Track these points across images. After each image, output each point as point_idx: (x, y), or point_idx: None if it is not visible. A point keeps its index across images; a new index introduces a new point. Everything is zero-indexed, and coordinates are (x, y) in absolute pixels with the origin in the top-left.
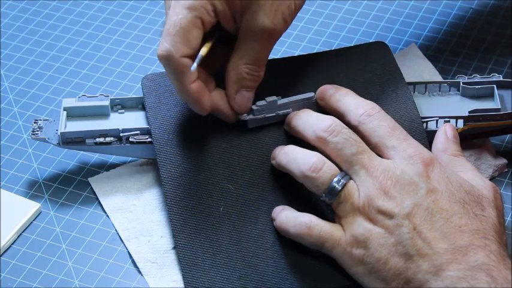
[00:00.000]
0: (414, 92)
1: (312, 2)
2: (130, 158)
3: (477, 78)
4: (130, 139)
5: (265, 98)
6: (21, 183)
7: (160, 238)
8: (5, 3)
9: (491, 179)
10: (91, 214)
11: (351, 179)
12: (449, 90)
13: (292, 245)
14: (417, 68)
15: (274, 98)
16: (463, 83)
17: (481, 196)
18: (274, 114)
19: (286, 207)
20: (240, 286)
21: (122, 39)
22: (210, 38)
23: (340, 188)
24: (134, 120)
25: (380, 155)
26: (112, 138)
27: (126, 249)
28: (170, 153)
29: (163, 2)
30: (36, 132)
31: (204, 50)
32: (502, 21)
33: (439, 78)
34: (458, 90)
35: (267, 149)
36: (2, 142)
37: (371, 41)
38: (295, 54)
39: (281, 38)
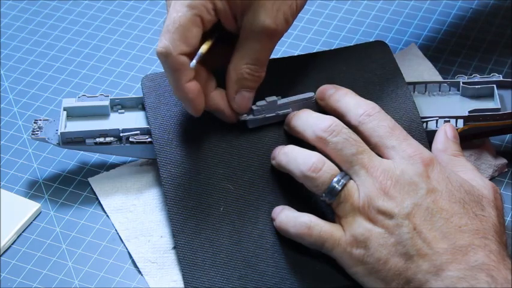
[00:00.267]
0: (414, 92)
1: (312, 2)
2: (130, 158)
3: (477, 78)
4: (130, 139)
5: (265, 98)
6: (21, 183)
7: (160, 238)
8: (5, 3)
9: (491, 179)
10: (91, 214)
11: (351, 179)
12: (449, 90)
13: (292, 245)
14: (417, 68)
15: (274, 98)
16: (463, 83)
17: (481, 196)
18: (274, 114)
19: (286, 207)
20: (240, 286)
21: (121, 39)
22: (210, 36)
23: (340, 188)
24: (134, 120)
25: (380, 155)
26: (112, 138)
27: (126, 249)
28: (170, 153)
29: (163, 1)
30: (36, 132)
31: (204, 48)
32: (502, 21)
33: (439, 78)
34: (458, 90)
35: (267, 149)
36: (2, 142)
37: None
38: (295, 54)
39: (281, 38)
